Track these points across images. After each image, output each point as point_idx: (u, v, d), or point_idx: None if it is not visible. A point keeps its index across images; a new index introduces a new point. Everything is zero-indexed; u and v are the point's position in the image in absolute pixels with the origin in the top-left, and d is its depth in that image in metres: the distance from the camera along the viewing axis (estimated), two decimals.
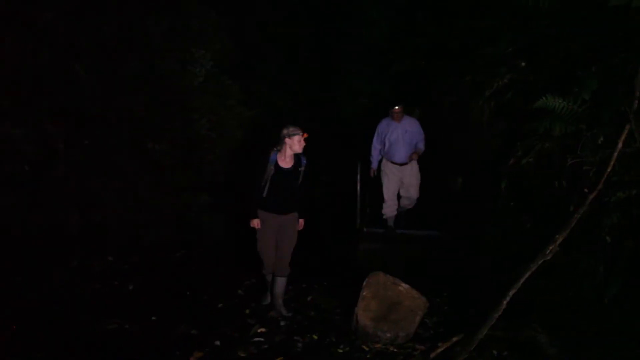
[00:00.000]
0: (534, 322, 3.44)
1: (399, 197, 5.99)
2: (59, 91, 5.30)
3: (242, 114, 7.23)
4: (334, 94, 9.19)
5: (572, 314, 3.38)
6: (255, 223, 4.19)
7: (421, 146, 5.82)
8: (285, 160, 4.16)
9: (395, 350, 3.61)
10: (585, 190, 3.45)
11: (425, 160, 5.94)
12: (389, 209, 5.96)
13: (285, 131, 4.09)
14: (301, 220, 4.38)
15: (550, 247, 3.33)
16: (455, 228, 5.73)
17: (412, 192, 5.89)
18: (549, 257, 3.34)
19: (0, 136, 4.86)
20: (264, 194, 4.13)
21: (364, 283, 4.05)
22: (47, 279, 4.60)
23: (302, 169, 4.23)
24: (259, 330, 3.91)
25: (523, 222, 4.31)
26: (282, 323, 4.15)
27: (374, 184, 6.11)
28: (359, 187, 6.51)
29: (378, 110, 8.22)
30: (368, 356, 3.54)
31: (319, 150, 8.75)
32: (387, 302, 3.91)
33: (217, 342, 3.66)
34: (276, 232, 4.24)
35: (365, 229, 6.25)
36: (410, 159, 5.79)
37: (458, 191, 5.90)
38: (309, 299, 4.84)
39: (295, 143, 4.07)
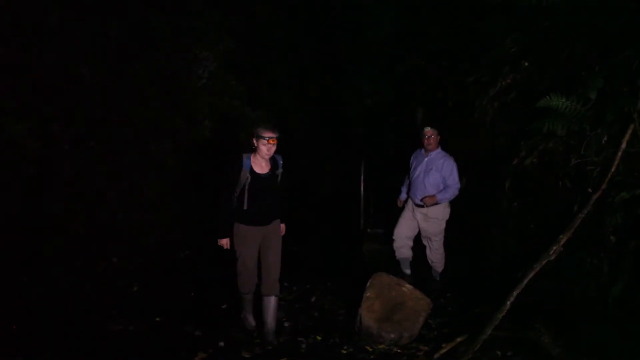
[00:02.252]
0: (538, 322, 3.42)
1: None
2: (64, 93, 5.34)
3: (246, 115, 7.26)
4: (337, 94, 9.19)
5: (576, 315, 3.36)
6: (225, 243, 3.72)
7: (446, 195, 4.80)
8: (260, 165, 3.66)
9: (399, 350, 3.61)
10: (589, 190, 3.45)
11: None
12: (397, 250, 5.19)
13: (254, 131, 3.56)
14: (282, 225, 3.94)
15: (554, 248, 3.33)
16: (458, 228, 5.72)
17: (432, 243, 5.03)
18: (552, 258, 3.34)
19: (6, 137, 4.90)
20: (245, 207, 3.62)
21: (368, 284, 4.06)
22: (52, 279, 4.63)
23: (279, 171, 3.75)
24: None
25: (527, 222, 4.30)
26: (286, 324, 4.16)
27: (378, 185, 6.08)
28: (362, 188, 6.51)
29: (381, 111, 8.26)
30: (372, 357, 3.54)
31: (323, 151, 8.80)
32: (391, 302, 3.91)
33: (221, 343, 3.68)
34: (259, 246, 3.79)
35: (369, 230, 6.26)
36: (424, 203, 4.87)
37: (462, 191, 5.88)
38: (312, 299, 4.84)
39: (261, 147, 3.52)
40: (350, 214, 7.59)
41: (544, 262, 3.33)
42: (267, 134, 3.47)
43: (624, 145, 3.26)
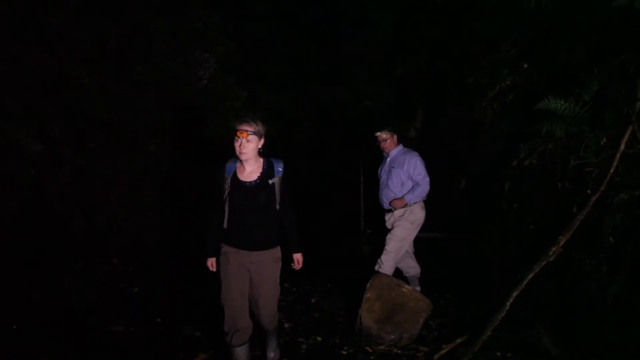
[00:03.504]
0: (538, 323, 3.44)
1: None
2: (64, 95, 5.35)
3: (246, 117, 7.25)
4: (337, 95, 9.20)
5: (576, 315, 3.37)
6: (210, 264, 2.99)
7: (415, 193, 4.35)
8: (245, 171, 2.87)
9: (399, 351, 3.62)
10: (588, 191, 3.46)
11: (429, 162, 5.68)
12: (404, 270, 4.73)
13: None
14: (297, 257, 3.11)
15: (554, 249, 3.34)
16: (458, 229, 5.74)
17: (388, 244, 4.42)
18: (552, 259, 3.36)
19: (6, 139, 4.91)
20: (225, 223, 2.86)
21: (368, 285, 4.07)
22: (53, 281, 4.63)
23: (274, 180, 2.86)
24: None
25: (526, 224, 4.31)
26: (286, 325, 4.16)
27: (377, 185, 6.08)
28: (362, 189, 6.50)
29: (381, 112, 8.27)
30: (372, 358, 3.55)
31: (322, 152, 8.80)
32: (391, 303, 3.92)
33: (222, 344, 3.68)
34: (246, 276, 2.92)
35: (368, 231, 6.26)
36: (393, 206, 4.44)
37: (462, 193, 5.90)
38: (312, 300, 4.85)
39: (234, 144, 2.79)
40: (349, 215, 7.60)
41: (543, 263, 3.35)
42: (239, 126, 2.74)
43: (622, 147, 3.27)
